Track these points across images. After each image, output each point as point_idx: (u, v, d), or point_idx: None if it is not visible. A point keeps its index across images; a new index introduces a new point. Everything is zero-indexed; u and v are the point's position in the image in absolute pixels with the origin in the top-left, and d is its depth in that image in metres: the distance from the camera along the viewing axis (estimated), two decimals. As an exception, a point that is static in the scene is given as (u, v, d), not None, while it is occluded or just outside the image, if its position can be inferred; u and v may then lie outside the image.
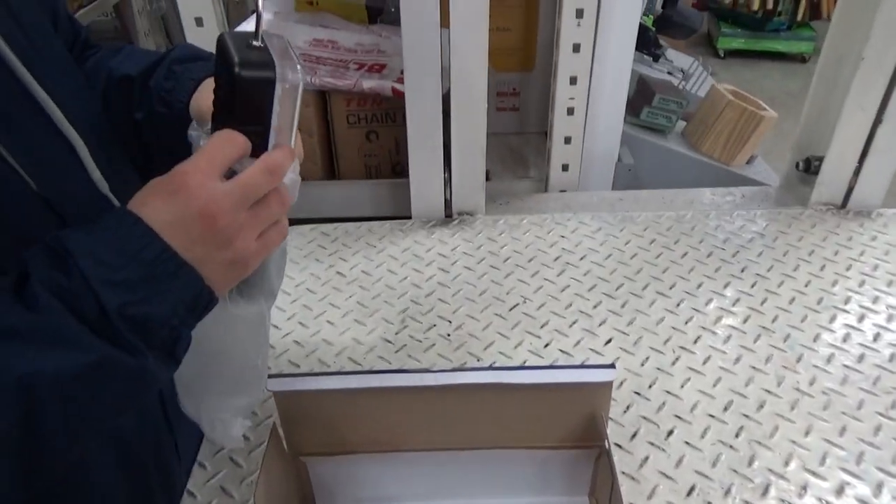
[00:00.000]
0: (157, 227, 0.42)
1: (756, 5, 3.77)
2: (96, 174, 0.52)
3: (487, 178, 1.08)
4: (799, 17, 3.87)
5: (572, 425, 0.58)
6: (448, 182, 1.04)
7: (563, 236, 1.01)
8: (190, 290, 0.43)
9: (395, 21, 1.25)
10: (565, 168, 1.13)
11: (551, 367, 0.76)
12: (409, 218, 1.06)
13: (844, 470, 0.66)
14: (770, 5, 3.78)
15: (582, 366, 0.74)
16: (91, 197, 0.52)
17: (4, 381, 0.37)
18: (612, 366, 0.55)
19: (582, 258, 0.96)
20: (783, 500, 0.63)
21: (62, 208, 0.48)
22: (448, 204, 1.06)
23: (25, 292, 0.39)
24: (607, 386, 0.56)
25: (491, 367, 0.77)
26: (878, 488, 0.64)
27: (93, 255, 0.40)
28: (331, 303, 0.90)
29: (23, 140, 0.47)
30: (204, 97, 0.55)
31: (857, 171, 1.04)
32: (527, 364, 0.79)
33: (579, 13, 1.00)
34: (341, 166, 1.19)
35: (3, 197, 0.45)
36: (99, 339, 0.40)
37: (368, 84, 1.09)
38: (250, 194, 0.45)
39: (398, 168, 1.21)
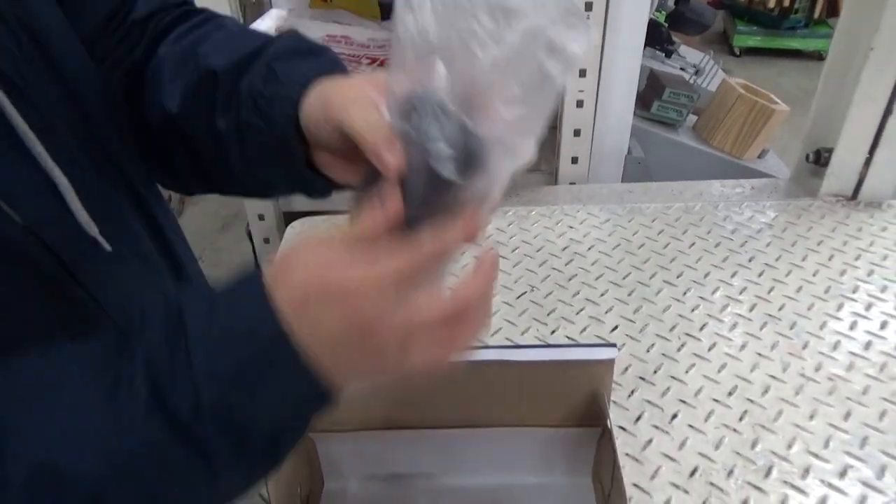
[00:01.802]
0: (318, 344, 0.34)
1: (772, 3, 3.75)
2: (83, 216, 0.42)
3: (497, 171, 1.09)
4: (816, 15, 3.83)
5: (574, 404, 0.60)
6: (458, 174, 1.05)
7: (571, 227, 1.02)
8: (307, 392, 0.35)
9: (406, 17, 1.27)
10: (574, 161, 1.14)
11: (554, 345, 0.77)
12: (420, 209, 1.08)
13: (848, 453, 0.66)
14: (787, 3, 3.76)
15: (584, 344, 0.75)
16: (79, 239, 0.43)
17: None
18: (614, 345, 0.56)
19: (590, 248, 0.97)
20: (786, 482, 0.64)
21: (54, 244, 0.41)
22: (458, 195, 1.07)
23: (124, 376, 0.33)
24: (609, 364, 0.57)
25: (495, 346, 0.78)
26: (881, 471, 0.65)
27: (209, 349, 0.33)
28: (342, 291, 0.91)
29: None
30: (315, 116, 0.42)
31: (867, 162, 1.04)
32: (533, 350, 0.80)
33: (588, 6, 1.01)
34: (353, 160, 1.21)
35: None
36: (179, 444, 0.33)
37: (380, 78, 1.10)
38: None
39: (409, 161, 1.23)
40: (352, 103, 0.40)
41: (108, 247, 0.43)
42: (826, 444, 0.67)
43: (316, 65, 0.45)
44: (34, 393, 0.33)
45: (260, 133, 0.45)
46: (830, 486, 0.63)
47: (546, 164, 1.25)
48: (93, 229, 0.43)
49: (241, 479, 0.36)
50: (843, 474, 0.64)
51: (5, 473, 0.31)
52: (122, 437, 0.32)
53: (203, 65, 0.48)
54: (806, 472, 0.65)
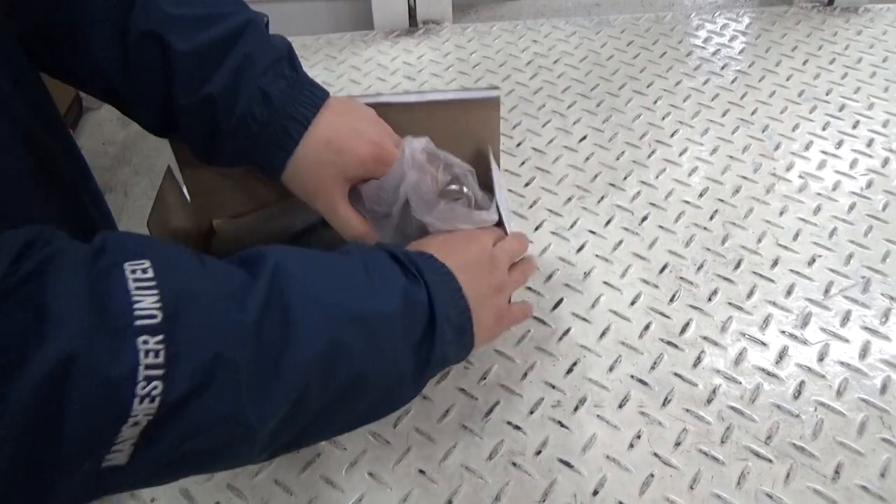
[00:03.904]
0: (456, 270, 0.45)
1: None
2: None
3: (454, -17, 1.00)
4: None
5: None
6: (411, -14, 0.96)
7: (535, 41, 0.94)
8: (467, 348, 0.46)
9: None
10: (538, -29, 1.05)
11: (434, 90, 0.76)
12: (372, 30, 0.99)
13: (817, 244, 0.66)
14: None
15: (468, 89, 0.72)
16: None
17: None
18: (496, 87, 0.53)
19: (556, 61, 0.91)
20: (755, 273, 0.63)
21: None
22: (412, 12, 0.98)
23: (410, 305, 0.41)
24: (492, 103, 0.52)
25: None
26: (848, 259, 0.64)
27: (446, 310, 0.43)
28: (291, 115, 0.84)
29: None
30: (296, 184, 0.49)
31: (847, -37, 0.97)
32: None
33: None
34: (295, -21, 1.09)
35: None
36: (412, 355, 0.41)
37: None
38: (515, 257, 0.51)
39: (357, -20, 1.12)
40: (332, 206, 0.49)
41: None
42: (796, 237, 0.67)
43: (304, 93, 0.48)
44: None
45: (234, 142, 0.47)
46: (798, 273, 0.63)
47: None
48: None
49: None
50: (811, 262, 0.64)
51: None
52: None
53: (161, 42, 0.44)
54: (775, 262, 0.64)
